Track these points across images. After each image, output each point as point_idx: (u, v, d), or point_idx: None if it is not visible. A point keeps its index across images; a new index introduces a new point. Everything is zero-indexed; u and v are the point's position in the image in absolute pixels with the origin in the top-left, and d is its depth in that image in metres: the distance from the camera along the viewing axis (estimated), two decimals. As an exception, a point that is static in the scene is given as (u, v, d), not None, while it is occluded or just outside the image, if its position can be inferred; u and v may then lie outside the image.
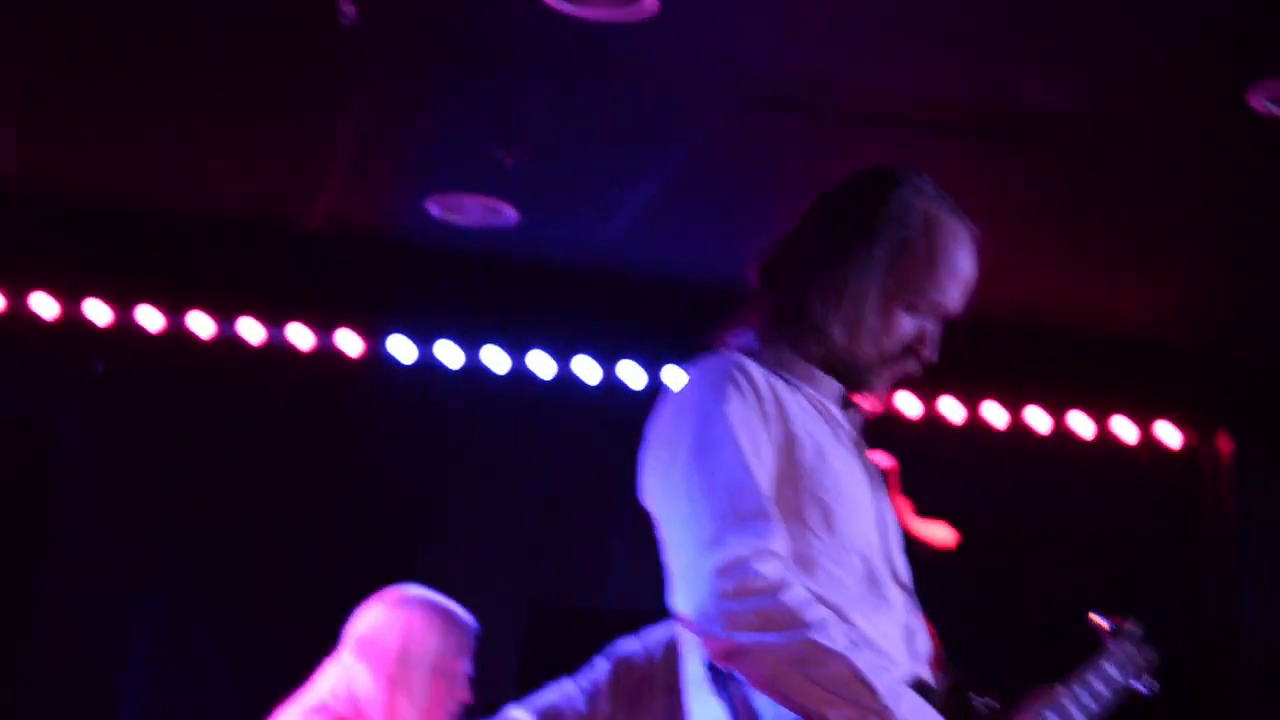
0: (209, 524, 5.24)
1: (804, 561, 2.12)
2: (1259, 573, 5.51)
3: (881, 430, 5.40)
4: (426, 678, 3.57)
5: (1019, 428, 5.56)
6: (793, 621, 2.00)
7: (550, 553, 5.44)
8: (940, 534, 4.91)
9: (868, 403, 2.34)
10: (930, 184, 2.32)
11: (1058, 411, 5.57)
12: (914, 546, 4.83)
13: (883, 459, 4.98)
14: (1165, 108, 3.87)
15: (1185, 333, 5.35)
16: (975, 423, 5.55)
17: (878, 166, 2.34)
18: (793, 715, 2.02)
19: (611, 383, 5.36)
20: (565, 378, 5.36)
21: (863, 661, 2.01)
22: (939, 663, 2.27)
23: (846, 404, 2.31)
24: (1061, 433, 5.57)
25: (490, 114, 4.16)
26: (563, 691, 4.49)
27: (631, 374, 5.35)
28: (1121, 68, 3.71)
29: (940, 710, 2.10)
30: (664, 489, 2.15)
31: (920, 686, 2.14)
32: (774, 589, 2.02)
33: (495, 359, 5.33)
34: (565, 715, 4.50)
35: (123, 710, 5.10)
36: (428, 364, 5.30)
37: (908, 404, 5.51)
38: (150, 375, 5.21)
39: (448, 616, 3.66)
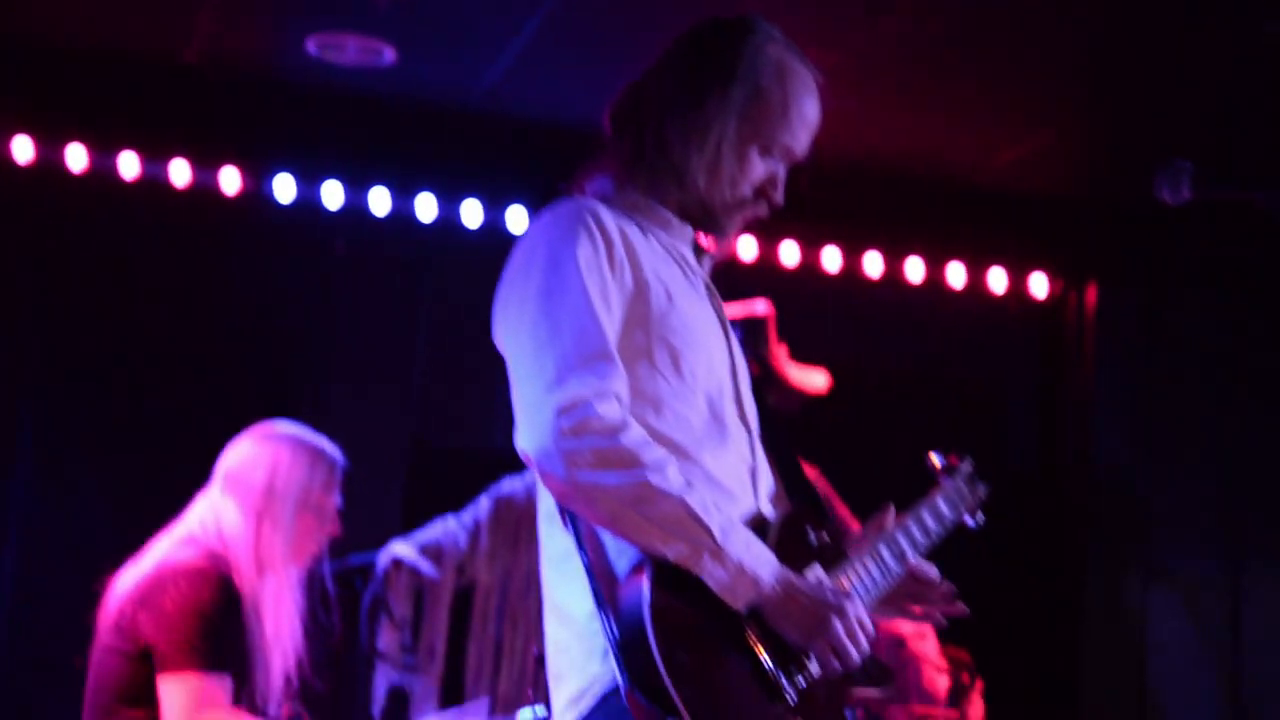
0: (87, 359, 5.21)
1: (652, 401, 2.19)
2: (1114, 412, 5.73)
3: (761, 278, 5.51)
4: (293, 511, 3.61)
5: (895, 278, 5.67)
6: (630, 461, 2.07)
7: (435, 393, 5.49)
8: (815, 379, 5.04)
9: (718, 247, 2.40)
10: (779, 32, 2.37)
11: (933, 262, 5.68)
12: (788, 392, 4.96)
13: (760, 306, 5.08)
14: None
15: (1056, 185, 5.48)
16: (853, 272, 5.65)
17: (731, 15, 2.38)
18: (634, 549, 2.10)
19: (494, 225, 5.37)
20: (448, 219, 5.36)
21: (696, 500, 2.09)
22: (779, 499, 2.36)
23: (699, 250, 2.37)
24: (935, 282, 5.68)
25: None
26: (444, 528, 4.60)
27: (515, 217, 5.36)
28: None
29: (775, 542, 2.20)
30: (512, 331, 2.20)
31: (758, 521, 2.24)
32: (612, 430, 2.08)
33: (378, 200, 5.31)
34: (446, 550, 4.62)
35: (7, 535, 5.11)
36: (308, 203, 5.26)
37: (788, 253, 5.59)
38: (24, 209, 5.13)
39: (315, 451, 3.69)
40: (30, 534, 5.11)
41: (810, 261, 5.61)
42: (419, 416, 5.47)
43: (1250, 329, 5.62)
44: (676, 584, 2.08)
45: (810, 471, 4.98)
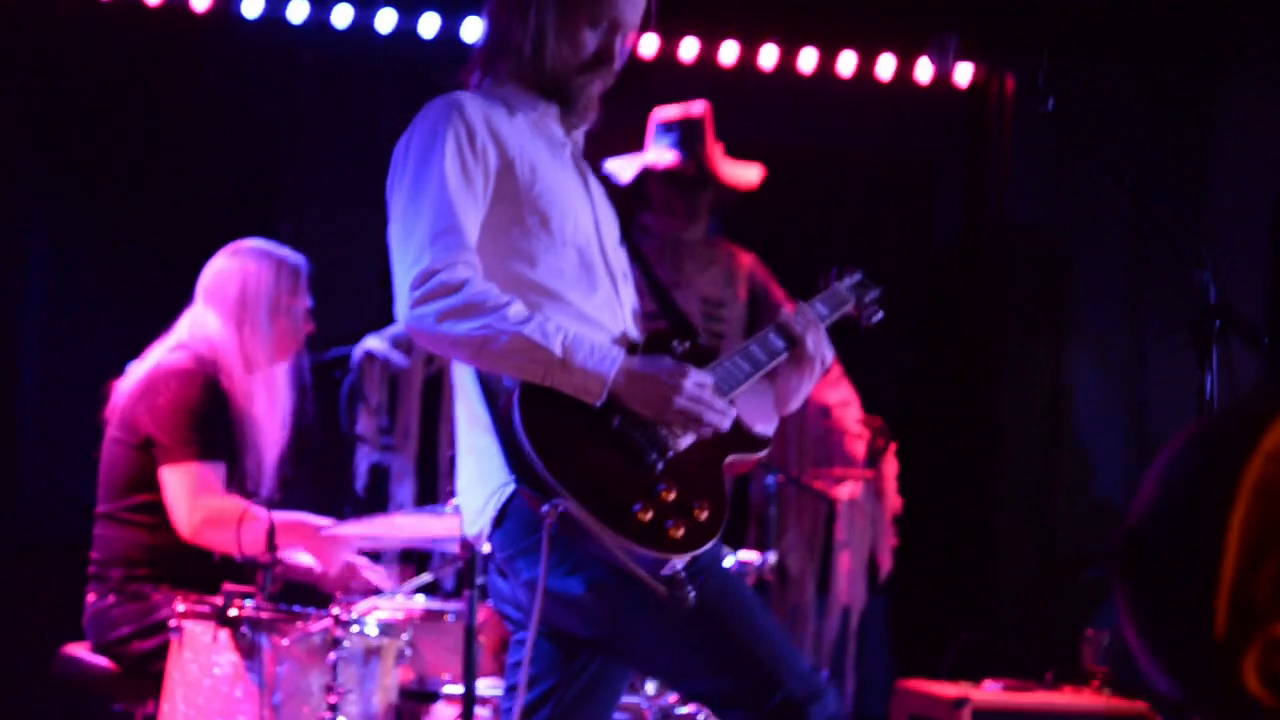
0: (82, 174, 5.50)
1: (527, 257, 2.58)
2: (1032, 182, 6.09)
3: (702, 76, 5.83)
4: (267, 314, 4.04)
5: (828, 69, 5.94)
6: (474, 311, 2.44)
7: None
8: (749, 174, 5.46)
9: (580, 115, 2.73)
10: None
11: (864, 54, 5.95)
12: (722, 188, 5.31)
13: (696, 107, 5.46)
14: None
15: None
16: (788, 69, 5.91)
17: None
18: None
19: (450, 34, 5.68)
20: (405, 30, 5.66)
21: (534, 329, 2.45)
22: (644, 325, 2.76)
23: (570, 124, 2.74)
24: (866, 73, 5.96)
25: None
26: (413, 321, 5.03)
27: (470, 27, 5.67)
28: None
29: (641, 353, 2.60)
30: (391, 220, 2.59)
31: (626, 342, 2.64)
32: (456, 288, 2.44)
33: (340, 14, 5.61)
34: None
35: (28, 339, 5.51)
36: (275, 18, 5.55)
37: (726, 52, 5.89)
38: (10, 33, 5.40)
39: (278, 260, 4.10)
40: (47, 337, 5.48)
41: (748, 60, 5.89)
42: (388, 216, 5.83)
43: (1145, 98, 5.91)
44: (543, 396, 2.47)
45: (748, 258, 5.43)
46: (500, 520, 2.53)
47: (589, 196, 2.75)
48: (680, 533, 2.43)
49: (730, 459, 2.62)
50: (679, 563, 2.43)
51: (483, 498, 2.56)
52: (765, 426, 2.73)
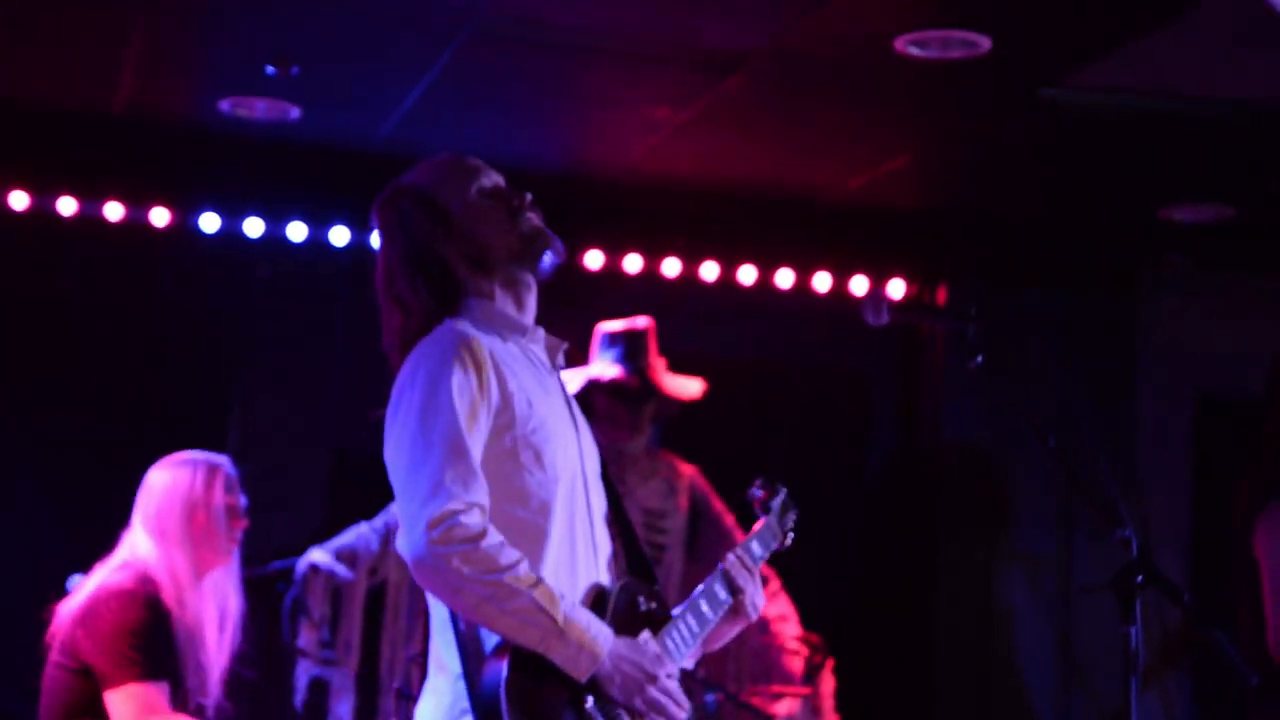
0: (30, 385, 5.58)
1: (519, 495, 2.59)
2: (965, 400, 6.25)
3: (645, 289, 6.01)
4: (181, 518, 4.02)
5: (767, 284, 6.15)
6: (488, 565, 2.46)
7: (352, 405, 5.91)
8: (690, 386, 5.60)
9: (544, 276, 2.77)
10: (419, 166, 2.81)
11: (802, 271, 6.18)
12: (665, 400, 5.42)
13: (641, 321, 5.62)
14: (829, 44, 4.46)
15: (908, 199, 5.97)
16: (729, 281, 6.14)
17: (377, 201, 2.82)
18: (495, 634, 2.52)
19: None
20: (360, 244, 5.85)
21: (543, 594, 2.48)
22: (618, 568, 2.81)
23: (553, 351, 2.79)
24: (802, 289, 6.17)
25: (268, 29, 4.61)
26: (358, 532, 5.06)
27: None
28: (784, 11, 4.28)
29: (613, 609, 2.63)
30: (394, 449, 2.57)
31: (598, 591, 2.67)
32: (474, 538, 2.46)
33: (295, 230, 5.80)
34: (360, 553, 5.08)
35: None
36: (232, 234, 5.72)
37: (669, 266, 6.11)
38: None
39: (189, 461, 4.11)
40: None
41: (690, 274, 6.11)
42: (339, 426, 5.82)
43: (1078, 325, 6.15)
44: (529, 665, 2.48)
45: (689, 470, 5.54)
46: None
47: (575, 427, 2.76)
48: None
49: None
50: None
51: None
52: (688, 661, 2.79)
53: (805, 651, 5.30)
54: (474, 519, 2.48)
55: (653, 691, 2.55)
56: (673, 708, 2.58)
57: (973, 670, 6.13)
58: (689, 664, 2.80)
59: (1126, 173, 5.54)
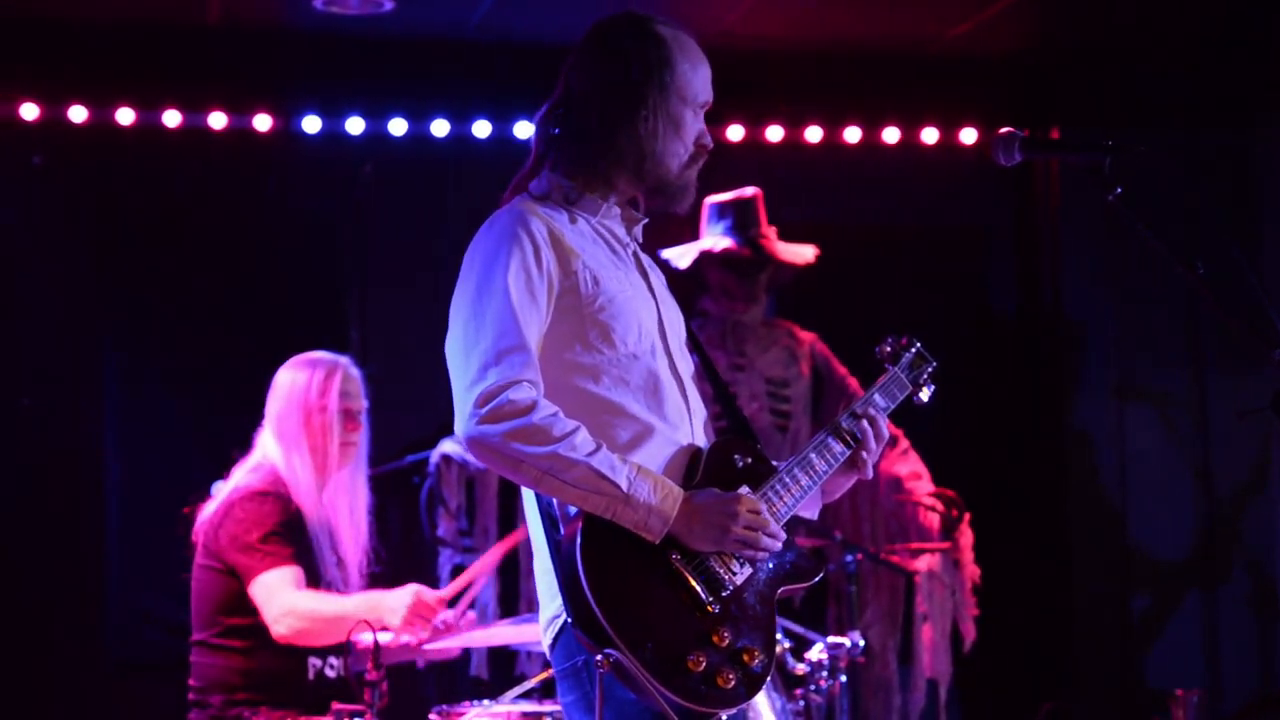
0: (155, 297, 5.63)
1: (591, 372, 2.57)
2: (1084, 248, 6.13)
3: (749, 157, 5.94)
4: (299, 421, 4.06)
5: (873, 144, 6.05)
6: (541, 437, 2.44)
7: None
8: (803, 252, 5.55)
9: (682, 210, 2.73)
10: (658, 14, 2.73)
11: (908, 127, 6.06)
12: (780, 267, 5.38)
13: (749, 190, 5.55)
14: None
15: (1015, 43, 5.85)
16: (834, 143, 6.04)
17: (615, 16, 2.73)
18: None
19: (502, 136, 5.83)
20: (460, 135, 5.82)
21: (602, 460, 2.46)
22: (714, 430, 2.79)
23: (630, 224, 2.74)
24: (909, 144, 6.06)
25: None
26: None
27: (521, 129, 5.83)
28: None
29: (705, 468, 2.61)
30: (451, 331, 2.57)
31: (694, 452, 2.64)
32: (524, 411, 2.45)
33: (396, 126, 5.78)
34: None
35: (108, 462, 5.60)
36: (334, 134, 5.71)
37: (772, 133, 6.01)
38: (80, 160, 5.59)
39: (308, 362, 4.13)
40: (127, 458, 5.57)
41: (793, 139, 6.01)
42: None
43: (1195, 163, 5.96)
44: (603, 531, 2.46)
45: (808, 336, 5.51)
46: (555, 643, 2.58)
47: (653, 299, 2.73)
48: (730, 684, 2.46)
49: (782, 591, 2.65)
50: (725, 715, 2.49)
51: (546, 616, 2.60)
52: (808, 512, 2.76)
53: (940, 507, 5.29)
54: (522, 393, 2.47)
55: (737, 531, 2.51)
56: (764, 539, 2.54)
57: (1110, 515, 6.08)
58: (807, 513, 2.75)
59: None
